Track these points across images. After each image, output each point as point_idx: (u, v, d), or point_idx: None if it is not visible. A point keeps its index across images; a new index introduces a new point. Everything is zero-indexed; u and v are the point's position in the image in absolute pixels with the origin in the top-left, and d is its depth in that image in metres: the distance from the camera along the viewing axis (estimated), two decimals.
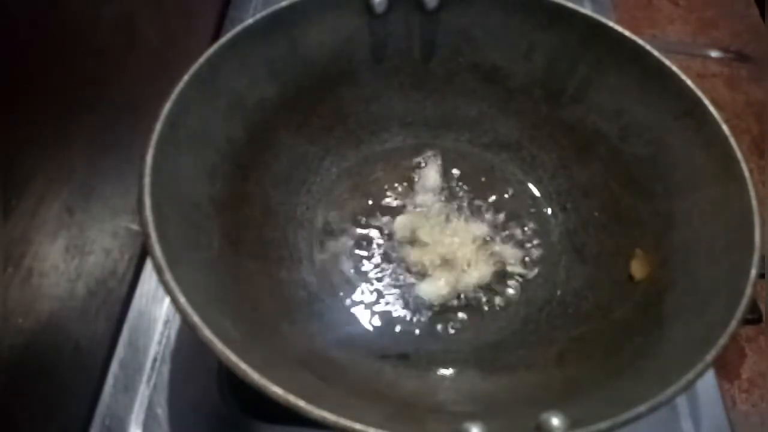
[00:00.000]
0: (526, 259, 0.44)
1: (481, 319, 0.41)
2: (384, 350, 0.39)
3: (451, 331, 0.40)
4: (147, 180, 0.30)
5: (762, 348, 0.48)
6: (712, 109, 0.36)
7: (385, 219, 0.45)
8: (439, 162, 0.48)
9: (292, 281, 0.41)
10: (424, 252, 0.43)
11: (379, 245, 0.44)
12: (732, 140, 0.35)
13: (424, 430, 0.30)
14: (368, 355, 0.38)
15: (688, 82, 0.37)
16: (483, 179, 0.48)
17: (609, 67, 0.41)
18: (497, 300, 0.42)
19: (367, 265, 0.43)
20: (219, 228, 0.35)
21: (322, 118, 0.45)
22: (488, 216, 0.46)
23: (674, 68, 0.38)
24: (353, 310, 0.41)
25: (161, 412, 0.40)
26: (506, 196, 0.47)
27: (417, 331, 0.40)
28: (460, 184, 0.47)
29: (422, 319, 0.41)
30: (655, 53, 0.38)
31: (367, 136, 0.48)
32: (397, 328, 0.40)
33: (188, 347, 0.43)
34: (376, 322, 0.41)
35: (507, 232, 0.45)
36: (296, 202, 0.44)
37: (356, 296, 0.42)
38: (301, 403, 0.25)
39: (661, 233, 0.38)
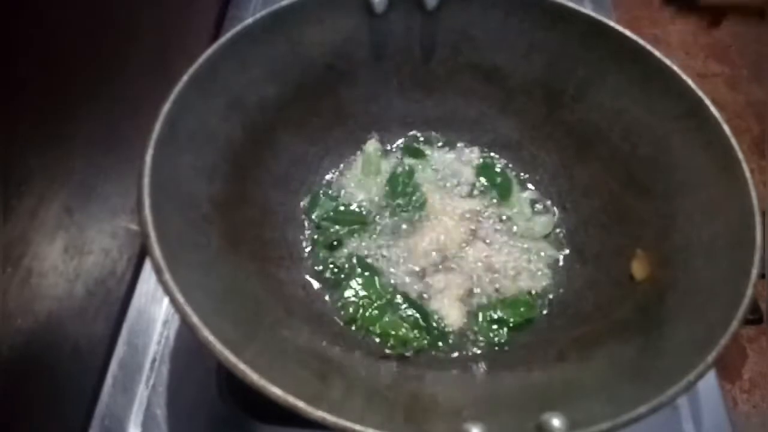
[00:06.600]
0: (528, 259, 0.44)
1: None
2: (384, 350, 0.39)
3: (452, 332, 0.40)
4: (146, 180, 0.30)
5: (763, 348, 0.48)
6: (712, 108, 0.36)
7: (387, 218, 0.45)
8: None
9: (291, 281, 0.41)
10: (426, 250, 0.43)
11: (379, 245, 0.44)
12: (733, 140, 0.35)
13: (424, 430, 0.30)
14: (368, 356, 0.38)
15: (689, 81, 0.37)
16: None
17: (609, 66, 0.41)
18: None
19: (368, 265, 0.43)
20: (218, 228, 0.35)
21: (321, 118, 0.45)
22: (487, 216, 0.46)
23: (675, 68, 0.38)
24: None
25: (160, 412, 0.40)
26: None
27: (417, 332, 0.40)
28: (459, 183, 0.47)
29: (422, 320, 0.40)
30: (656, 53, 0.38)
31: (367, 137, 0.48)
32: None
33: (187, 348, 0.43)
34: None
35: (506, 232, 0.45)
36: (296, 202, 0.44)
37: (356, 296, 0.41)
38: (301, 404, 0.25)
39: (662, 233, 0.38)
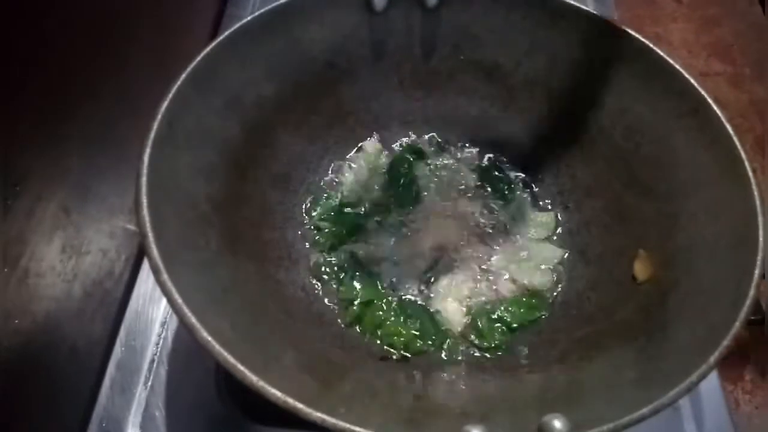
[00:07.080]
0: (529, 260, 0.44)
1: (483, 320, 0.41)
2: (384, 352, 0.39)
3: (453, 333, 0.40)
4: (144, 179, 0.30)
5: (765, 349, 0.48)
6: (715, 107, 0.36)
7: (387, 218, 0.45)
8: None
9: (291, 282, 0.40)
10: (427, 250, 0.43)
11: (379, 246, 0.43)
12: (735, 139, 0.35)
13: None
14: (368, 357, 0.38)
15: (692, 80, 0.37)
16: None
17: (612, 65, 0.40)
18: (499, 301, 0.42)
19: (368, 265, 0.42)
20: (217, 228, 0.35)
21: (321, 116, 0.44)
22: (489, 217, 0.45)
23: (678, 66, 0.37)
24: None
25: (159, 414, 0.40)
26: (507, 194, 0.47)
27: (418, 333, 0.40)
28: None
29: (423, 322, 0.40)
30: (659, 51, 0.38)
31: (367, 135, 0.47)
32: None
33: (186, 349, 0.43)
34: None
35: (507, 232, 0.45)
36: (295, 201, 0.44)
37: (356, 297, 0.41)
38: (300, 406, 0.25)
39: (665, 233, 0.37)
